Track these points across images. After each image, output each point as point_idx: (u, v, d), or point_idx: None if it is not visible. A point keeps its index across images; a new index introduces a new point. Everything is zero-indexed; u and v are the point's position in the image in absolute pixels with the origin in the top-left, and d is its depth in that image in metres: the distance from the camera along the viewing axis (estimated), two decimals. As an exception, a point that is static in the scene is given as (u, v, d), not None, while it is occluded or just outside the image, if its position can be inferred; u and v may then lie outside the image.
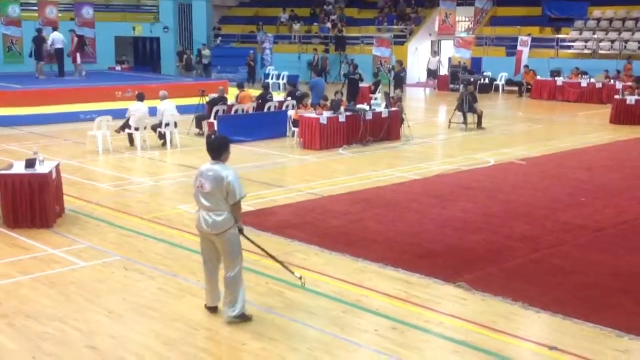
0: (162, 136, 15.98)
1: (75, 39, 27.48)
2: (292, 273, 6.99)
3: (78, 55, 27.19)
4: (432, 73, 33.46)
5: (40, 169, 9.61)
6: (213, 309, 6.81)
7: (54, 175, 9.83)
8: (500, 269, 8.20)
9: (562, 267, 8.28)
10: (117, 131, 15.80)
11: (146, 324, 6.60)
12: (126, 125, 15.76)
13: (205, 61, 32.61)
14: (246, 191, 6.67)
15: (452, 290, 7.51)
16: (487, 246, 9.03)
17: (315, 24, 37.86)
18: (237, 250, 6.61)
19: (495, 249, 8.91)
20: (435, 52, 34.61)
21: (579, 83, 27.54)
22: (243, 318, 6.58)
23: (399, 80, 26.42)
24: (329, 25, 36.92)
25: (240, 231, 6.66)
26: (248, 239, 6.89)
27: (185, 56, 32.40)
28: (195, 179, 6.64)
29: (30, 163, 9.60)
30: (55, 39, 26.07)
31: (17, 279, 7.66)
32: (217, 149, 6.58)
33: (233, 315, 6.56)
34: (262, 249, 7.05)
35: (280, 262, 7.10)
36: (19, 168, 9.63)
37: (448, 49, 34.38)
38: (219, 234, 6.48)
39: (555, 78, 28.37)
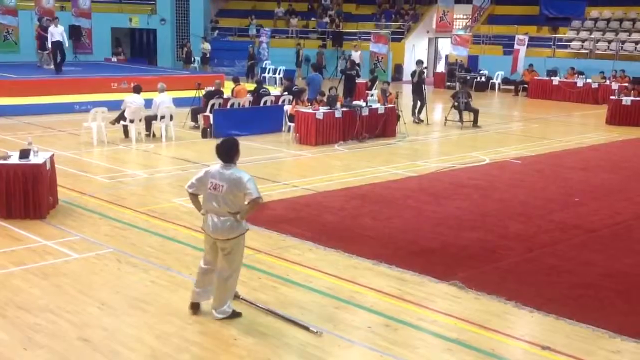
0: (149, 127, 15.88)
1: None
2: (308, 329, 6.36)
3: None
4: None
5: (34, 159, 9.55)
6: (196, 306, 6.65)
7: (48, 166, 9.78)
8: (494, 268, 8.20)
9: (556, 267, 8.28)
10: (112, 123, 15.73)
11: (139, 317, 6.57)
12: (121, 117, 15.70)
13: (204, 54, 32.20)
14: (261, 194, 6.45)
15: (445, 288, 7.51)
16: (481, 245, 9.03)
17: (313, 18, 37.80)
18: (239, 259, 6.56)
19: (490, 248, 8.91)
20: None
21: (575, 83, 27.59)
22: (232, 316, 6.54)
23: (419, 87, 20.39)
24: (326, 20, 36.87)
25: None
26: (246, 300, 6.85)
27: (186, 49, 32.17)
28: (205, 180, 6.41)
29: (24, 154, 9.54)
30: (52, 32, 25.75)
31: (9, 270, 7.62)
32: (228, 151, 6.40)
33: (219, 317, 6.51)
34: (265, 309, 6.76)
35: (291, 320, 6.56)
36: (12, 158, 9.58)
37: (445, 46, 34.39)
38: (226, 240, 6.41)
39: (552, 78, 28.40)
